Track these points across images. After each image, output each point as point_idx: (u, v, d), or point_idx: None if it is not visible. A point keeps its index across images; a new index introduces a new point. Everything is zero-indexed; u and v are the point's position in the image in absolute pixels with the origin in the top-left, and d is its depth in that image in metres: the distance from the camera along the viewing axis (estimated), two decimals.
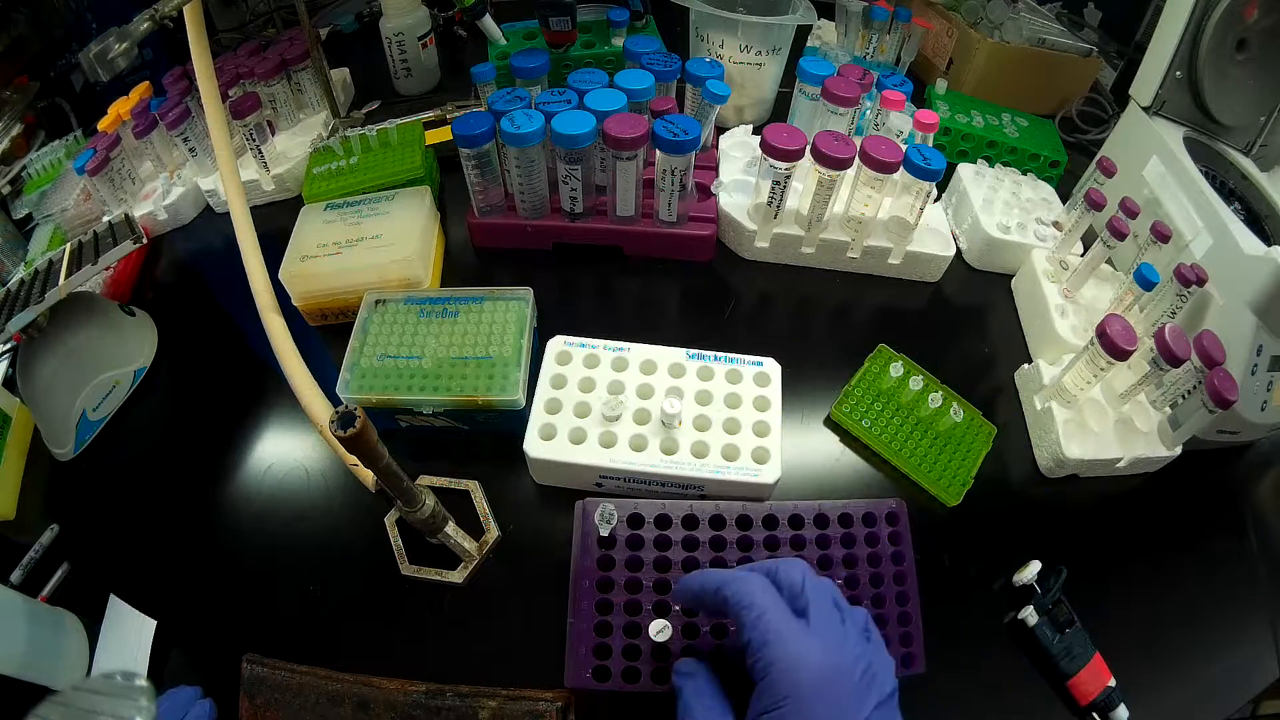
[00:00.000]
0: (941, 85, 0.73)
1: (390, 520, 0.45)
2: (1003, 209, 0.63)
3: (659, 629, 0.37)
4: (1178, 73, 0.57)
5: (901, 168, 0.53)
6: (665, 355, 0.48)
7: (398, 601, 0.43)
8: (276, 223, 0.59)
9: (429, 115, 0.70)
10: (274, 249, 0.54)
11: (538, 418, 0.45)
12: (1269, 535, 0.51)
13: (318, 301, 0.55)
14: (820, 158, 0.52)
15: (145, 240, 0.54)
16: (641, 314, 0.59)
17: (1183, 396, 0.49)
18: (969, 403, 0.51)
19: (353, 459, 0.34)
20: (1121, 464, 0.50)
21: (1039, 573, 0.44)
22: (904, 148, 0.53)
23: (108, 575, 0.45)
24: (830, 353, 0.56)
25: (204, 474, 0.50)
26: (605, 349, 0.49)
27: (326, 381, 0.48)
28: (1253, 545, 0.51)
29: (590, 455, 0.44)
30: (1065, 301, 0.56)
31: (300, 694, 0.37)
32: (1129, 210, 0.55)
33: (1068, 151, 0.71)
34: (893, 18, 0.73)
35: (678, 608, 0.39)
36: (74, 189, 0.67)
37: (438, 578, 0.43)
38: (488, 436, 0.49)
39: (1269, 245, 0.50)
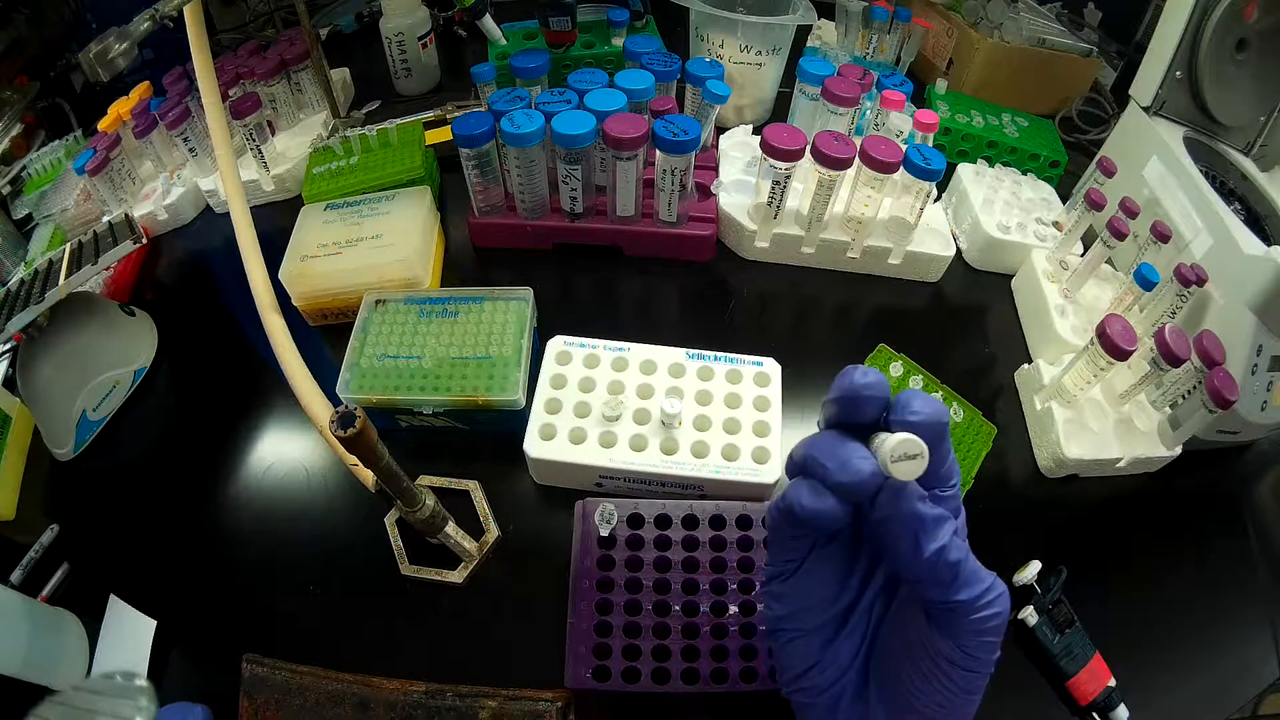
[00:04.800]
0: (941, 85, 0.73)
1: (390, 520, 0.45)
2: (1003, 209, 0.63)
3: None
4: (1178, 73, 0.57)
5: (901, 168, 0.53)
6: (665, 355, 0.48)
7: (398, 602, 0.43)
8: (276, 223, 0.59)
9: (429, 115, 0.69)
10: (274, 249, 0.54)
11: (538, 418, 0.45)
12: (1269, 535, 0.51)
13: (318, 301, 0.55)
14: (820, 158, 0.52)
15: (145, 240, 0.54)
16: (641, 314, 0.59)
17: (1183, 396, 0.49)
18: (969, 403, 0.51)
19: (353, 459, 0.34)
20: (1121, 464, 0.50)
21: (1039, 573, 0.44)
22: (904, 148, 0.53)
23: (108, 575, 0.45)
24: (830, 353, 0.56)
25: (204, 474, 0.49)
26: (605, 349, 0.49)
27: (326, 381, 0.47)
28: (1253, 545, 0.51)
29: (590, 455, 0.44)
30: (1065, 301, 0.56)
31: (300, 694, 0.37)
32: (1129, 210, 0.55)
33: (1068, 151, 0.71)
34: (893, 18, 0.73)
35: (678, 607, 0.39)
36: (74, 189, 0.67)
37: (438, 578, 0.43)
38: (488, 436, 0.49)
39: (1269, 245, 0.50)
